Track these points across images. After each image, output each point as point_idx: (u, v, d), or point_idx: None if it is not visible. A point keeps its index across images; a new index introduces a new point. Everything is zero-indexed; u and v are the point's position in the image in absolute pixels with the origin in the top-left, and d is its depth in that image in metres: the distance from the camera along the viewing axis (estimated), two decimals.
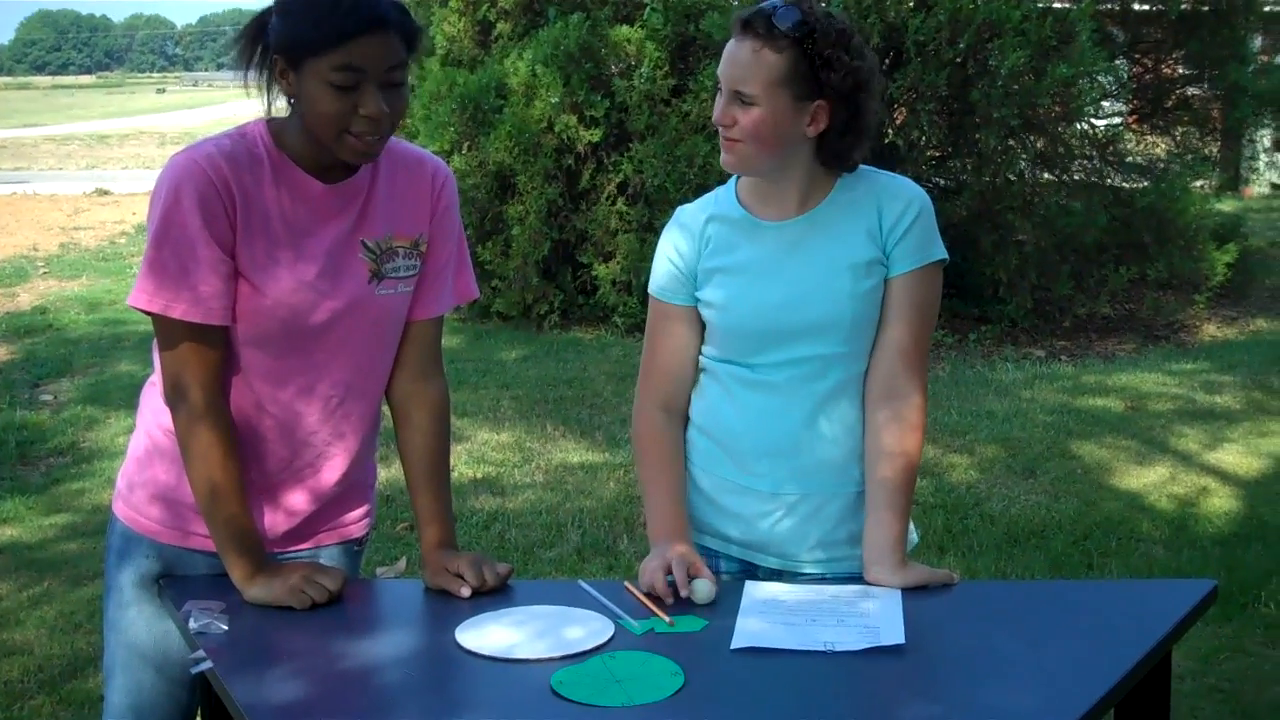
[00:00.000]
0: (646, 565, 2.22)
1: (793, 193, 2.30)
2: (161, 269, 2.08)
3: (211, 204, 2.08)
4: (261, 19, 2.11)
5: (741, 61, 2.19)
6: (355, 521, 2.42)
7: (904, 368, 2.29)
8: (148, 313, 2.11)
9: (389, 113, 2.08)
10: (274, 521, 2.29)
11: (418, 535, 2.35)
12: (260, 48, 2.12)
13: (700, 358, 2.42)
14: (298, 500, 2.30)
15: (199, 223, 2.07)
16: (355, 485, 2.38)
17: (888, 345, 2.29)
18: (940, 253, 2.31)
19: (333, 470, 2.31)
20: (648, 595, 2.16)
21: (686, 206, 2.42)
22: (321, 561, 2.34)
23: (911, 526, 2.38)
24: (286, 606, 2.13)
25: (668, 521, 2.31)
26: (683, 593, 2.15)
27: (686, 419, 2.43)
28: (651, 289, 2.42)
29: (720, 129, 2.24)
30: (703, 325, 2.39)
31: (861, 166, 2.34)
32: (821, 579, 2.33)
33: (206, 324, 2.10)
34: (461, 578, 2.21)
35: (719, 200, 2.38)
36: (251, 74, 2.14)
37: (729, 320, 2.32)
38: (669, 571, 2.18)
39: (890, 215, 2.27)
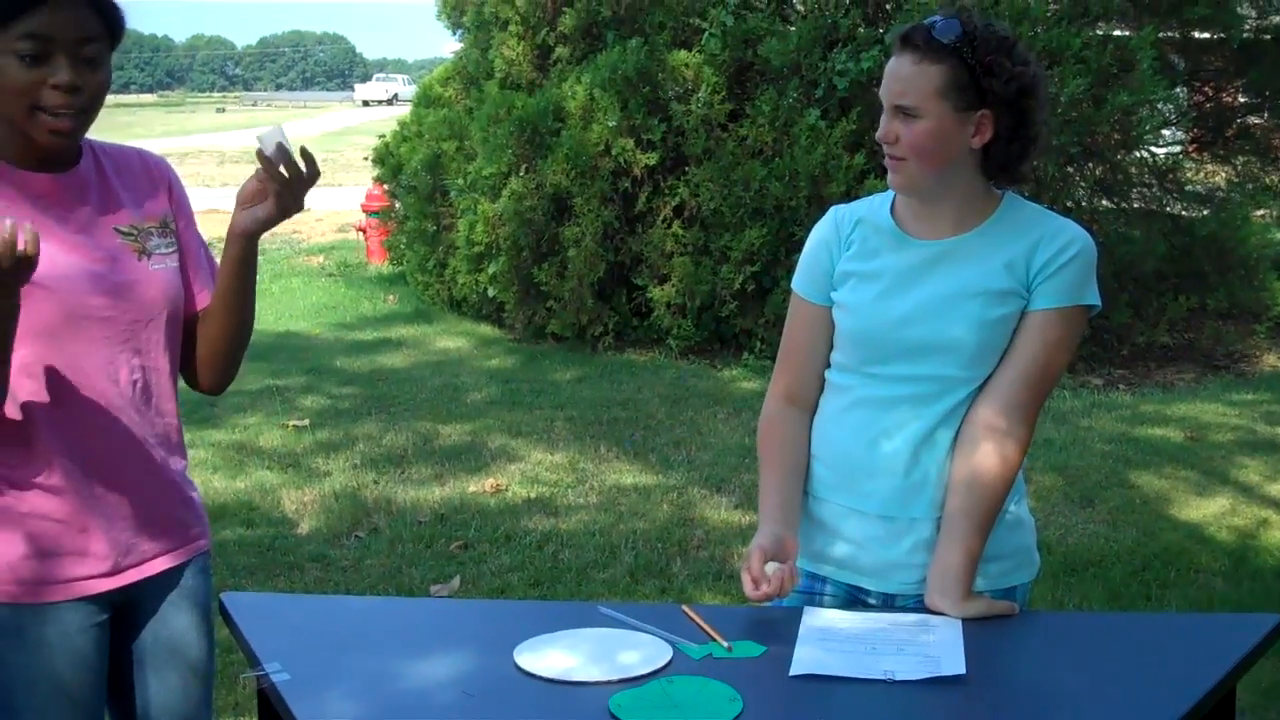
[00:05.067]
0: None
1: (949, 213, 2.27)
2: None
3: None
4: None
5: (902, 75, 2.19)
6: (198, 525, 2.30)
7: (1006, 400, 2.23)
8: None
9: (83, 87, 1.98)
10: (117, 540, 2.15)
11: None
12: None
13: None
14: (136, 507, 2.17)
15: None
16: (181, 484, 2.27)
17: (999, 376, 2.25)
18: (1091, 298, 2.25)
19: (159, 464, 2.20)
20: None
21: (841, 206, 2.43)
22: (187, 582, 2.27)
23: (1026, 511, 2.37)
24: None
25: (770, 506, 2.33)
26: (762, 589, 2.17)
27: (811, 411, 2.42)
28: (794, 283, 2.45)
29: (884, 147, 2.23)
30: (834, 328, 2.38)
31: (1034, 204, 2.31)
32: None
33: None
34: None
35: (873, 206, 2.38)
36: None
37: (853, 325, 2.32)
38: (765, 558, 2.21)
39: (1045, 252, 2.22)
